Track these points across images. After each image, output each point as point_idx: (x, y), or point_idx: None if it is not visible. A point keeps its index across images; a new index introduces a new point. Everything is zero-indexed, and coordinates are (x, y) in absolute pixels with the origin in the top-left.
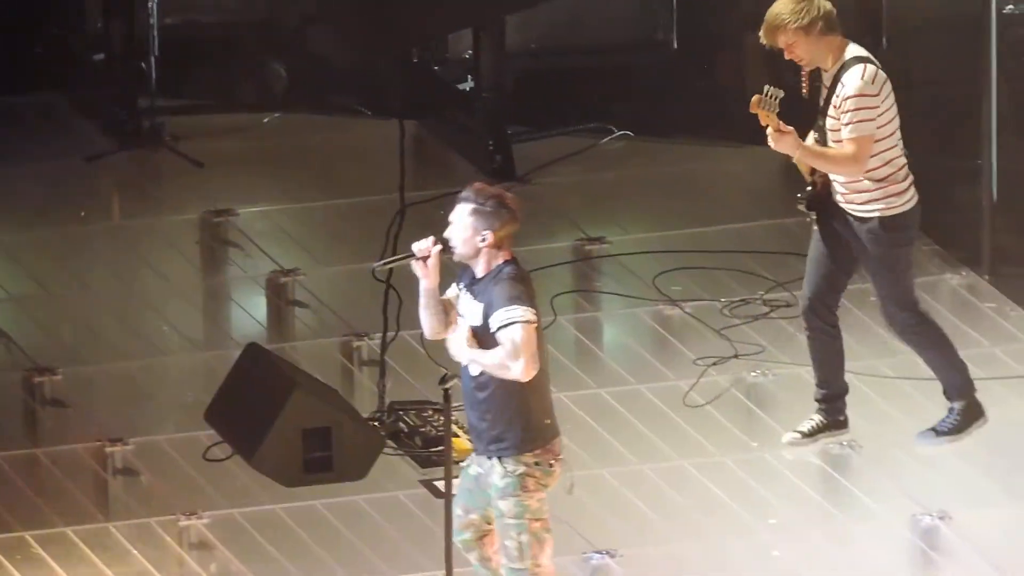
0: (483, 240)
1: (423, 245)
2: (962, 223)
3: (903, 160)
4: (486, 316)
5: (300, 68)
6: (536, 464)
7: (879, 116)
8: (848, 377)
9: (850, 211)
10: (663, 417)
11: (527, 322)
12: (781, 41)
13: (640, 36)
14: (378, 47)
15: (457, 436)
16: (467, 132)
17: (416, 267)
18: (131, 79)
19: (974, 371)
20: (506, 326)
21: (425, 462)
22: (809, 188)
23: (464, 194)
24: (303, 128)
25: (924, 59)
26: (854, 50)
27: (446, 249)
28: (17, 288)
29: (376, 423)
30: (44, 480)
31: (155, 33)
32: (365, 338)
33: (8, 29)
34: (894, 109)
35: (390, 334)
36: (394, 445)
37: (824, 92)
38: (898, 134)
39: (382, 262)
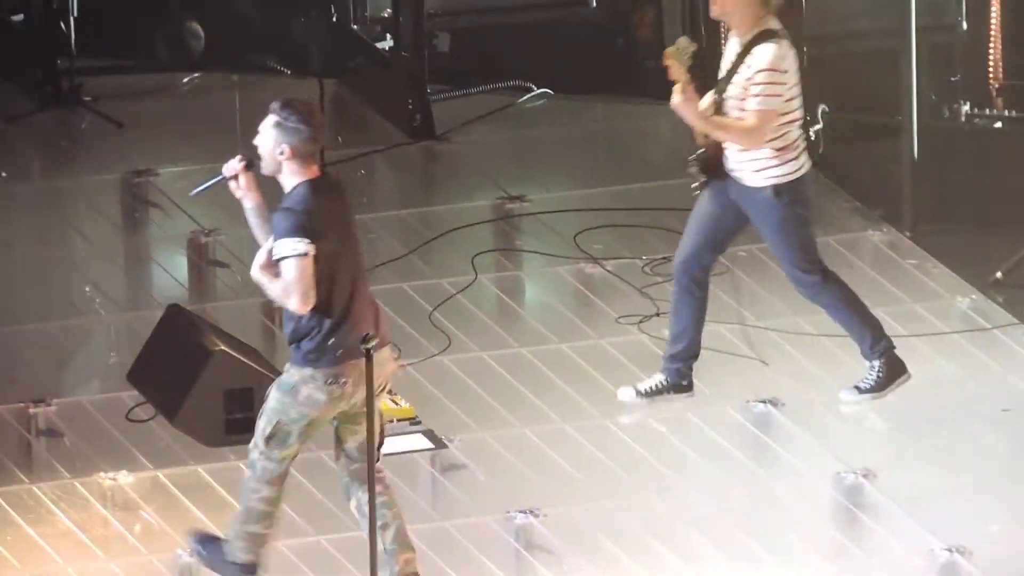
0: (282, 154)
1: (230, 164)
2: (883, 180)
3: (799, 132)
4: (273, 239)
5: (218, 27)
6: (312, 379)
7: (787, 91)
8: (771, 335)
9: (743, 179)
10: (585, 376)
11: (300, 256)
12: None
13: None
14: (296, 5)
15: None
16: (386, 91)
17: (231, 187)
18: (50, 39)
19: (896, 328)
20: (281, 259)
21: None
22: (702, 151)
23: (272, 105)
24: (222, 88)
25: (843, 14)
26: (770, 23)
27: (251, 166)
28: None
29: None
30: None
31: None
32: None
33: None
34: (799, 85)
35: None
36: None
37: (731, 59)
38: (800, 109)
39: (197, 189)
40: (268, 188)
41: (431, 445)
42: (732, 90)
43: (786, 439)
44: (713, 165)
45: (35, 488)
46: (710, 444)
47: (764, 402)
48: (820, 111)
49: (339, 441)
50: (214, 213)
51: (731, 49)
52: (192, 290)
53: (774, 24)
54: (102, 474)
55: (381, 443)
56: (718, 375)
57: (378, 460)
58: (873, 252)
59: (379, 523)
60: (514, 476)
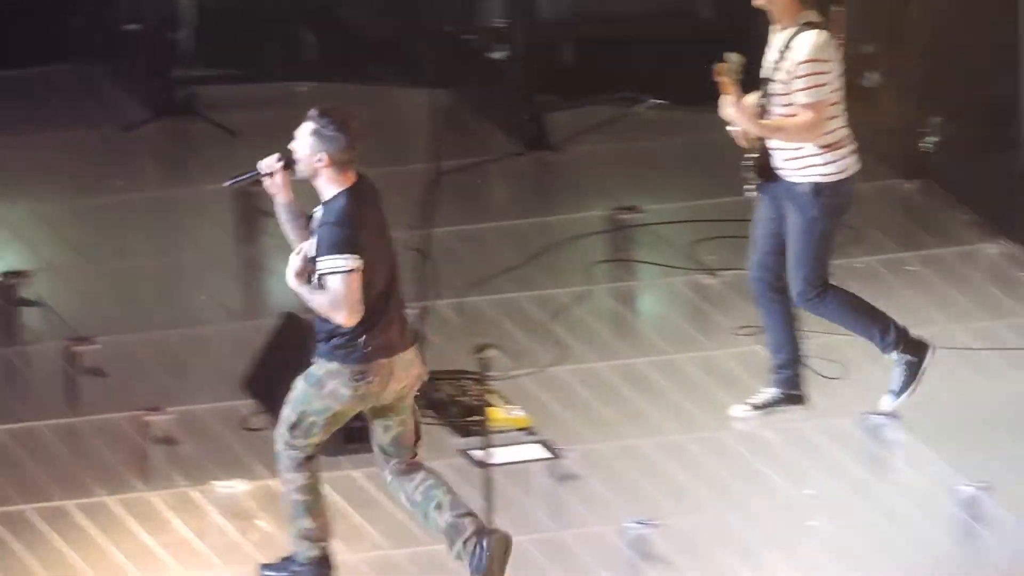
0: (320, 161)
1: (268, 162)
2: (1000, 191)
3: (846, 129)
4: (317, 252)
5: (332, 37)
6: (339, 374)
7: (830, 80)
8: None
9: (786, 176)
10: (701, 387)
11: (349, 272)
12: None
13: (674, 4)
14: (410, 15)
15: (493, 406)
16: (500, 101)
17: (265, 183)
18: (166, 49)
19: (1014, 341)
20: (328, 274)
21: (464, 431)
22: (755, 155)
23: (310, 113)
24: (336, 97)
25: (959, 22)
26: (809, 16)
27: (289, 166)
28: (55, 257)
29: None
30: (84, 449)
31: (190, 2)
32: None
33: None
34: (840, 77)
35: (427, 303)
36: (433, 415)
37: (773, 56)
38: (842, 102)
39: (231, 181)
40: (299, 186)
41: (547, 455)
42: (775, 87)
43: (903, 451)
44: (766, 168)
45: (151, 496)
46: (826, 456)
47: (880, 414)
48: (935, 123)
49: (373, 436)
50: None
51: (773, 46)
52: None
53: (813, 16)
54: (218, 483)
55: (418, 439)
56: (834, 387)
57: (415, 456)
58: (990, 265)
59: (433, 503)
60: (630, 487)
